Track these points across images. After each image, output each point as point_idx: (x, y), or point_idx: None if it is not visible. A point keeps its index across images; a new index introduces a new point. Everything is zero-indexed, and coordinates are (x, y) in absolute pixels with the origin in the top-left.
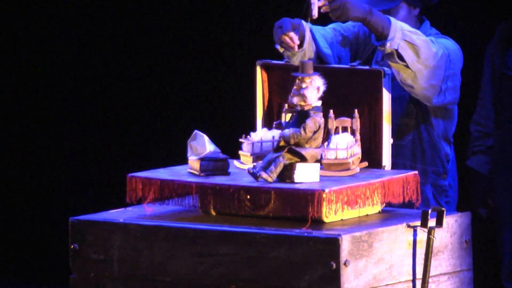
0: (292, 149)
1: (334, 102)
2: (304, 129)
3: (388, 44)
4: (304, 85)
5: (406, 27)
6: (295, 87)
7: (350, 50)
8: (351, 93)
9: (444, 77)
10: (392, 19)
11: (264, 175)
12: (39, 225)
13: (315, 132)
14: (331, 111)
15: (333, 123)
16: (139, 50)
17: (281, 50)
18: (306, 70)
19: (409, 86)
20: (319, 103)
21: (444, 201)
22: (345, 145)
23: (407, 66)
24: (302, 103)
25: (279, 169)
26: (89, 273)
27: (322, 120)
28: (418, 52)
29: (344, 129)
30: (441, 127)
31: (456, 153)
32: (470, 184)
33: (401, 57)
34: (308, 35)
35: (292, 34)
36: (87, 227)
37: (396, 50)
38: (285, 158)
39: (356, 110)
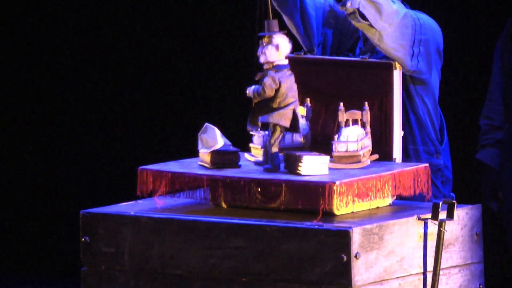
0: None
1: (344, 95)
2: (264, 89)
3: (348, 4)
4: (264, 44)
5: None
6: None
7: (335, 28)
8: (361, 86)
9: (415, 40)
10: None
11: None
12: (50, 218)
13: (276, 90)
14: (341, 103)
15: (343, 116)
16: (151, 44)
17: None
18: (269, 28)
19: (377, 47)
20: (285, 61)
21: (440, 180)
22: (356, 138)
23: (370, 25)
24: (264, 61)
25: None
26: (100, 266)
27: (283, 77)
28: (380, 10)
29: (355, 122)
30: (424, 103)
31: (466, 147)
32: (479, 177)
33: (363, 17)
34: None
35: None
36: (98, 220)
37: (358, 9)
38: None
39: (366, 103)
